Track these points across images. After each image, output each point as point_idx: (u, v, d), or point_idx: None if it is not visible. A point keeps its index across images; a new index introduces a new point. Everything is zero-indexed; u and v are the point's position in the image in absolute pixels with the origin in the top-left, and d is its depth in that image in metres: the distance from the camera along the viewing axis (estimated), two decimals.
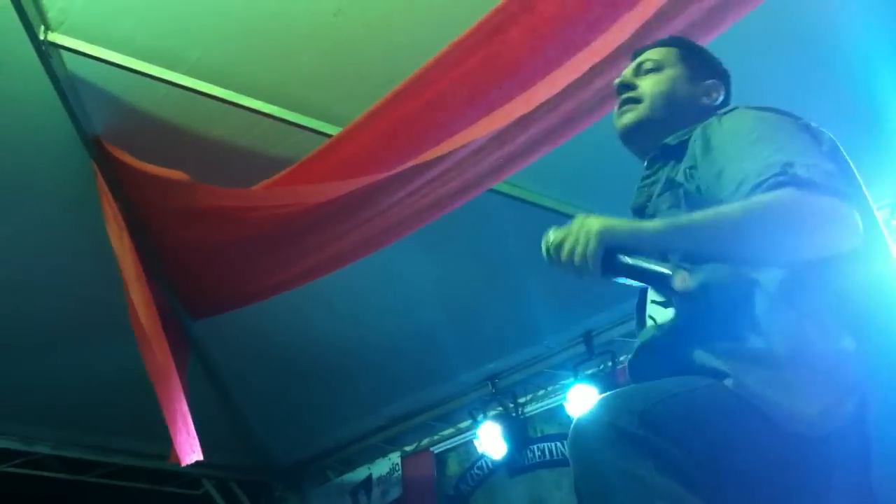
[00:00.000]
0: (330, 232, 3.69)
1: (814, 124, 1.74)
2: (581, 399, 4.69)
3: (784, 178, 1.57)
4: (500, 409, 5.25)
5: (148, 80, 3.47)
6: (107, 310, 4.06)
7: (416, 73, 3.09)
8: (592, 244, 1.57)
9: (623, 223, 1.61)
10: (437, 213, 3.57)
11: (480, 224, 4.27)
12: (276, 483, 6.73)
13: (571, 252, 1.59)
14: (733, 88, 2.07)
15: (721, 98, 2.04)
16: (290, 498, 6.71)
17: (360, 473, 6.32)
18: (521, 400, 5.24)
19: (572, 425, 1.48)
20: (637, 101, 2.02)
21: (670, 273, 1.52)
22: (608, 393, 1.55)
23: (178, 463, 4.09)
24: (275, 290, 4.13)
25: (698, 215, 1.61)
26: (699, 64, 2.09)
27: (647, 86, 2.04)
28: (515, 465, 5.20)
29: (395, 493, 6.03)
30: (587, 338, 4.77)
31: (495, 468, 5.32)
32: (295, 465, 6.65)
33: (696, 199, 1.73)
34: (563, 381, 4.92)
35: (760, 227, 1.55)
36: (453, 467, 5.70)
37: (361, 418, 6.06)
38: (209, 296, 4.38)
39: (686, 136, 1.87)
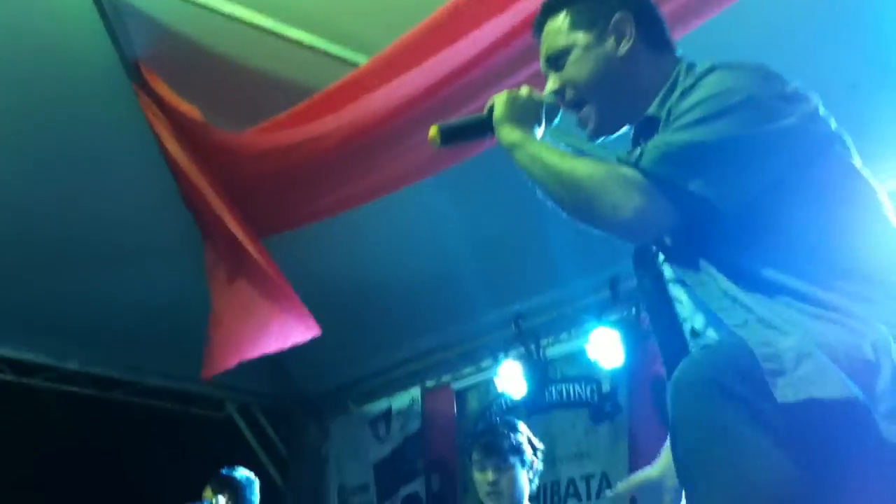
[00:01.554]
0: (356, 167, 3.70)
1: (798, 89, 1.71)
2: (603, 343, 4.74)
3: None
4: (523, 349, 5.30)
5: (190, 5, 3.48)
6: (144, 232, 4.12)
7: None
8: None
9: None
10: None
11: (511, 164, 4.26)
12: (297, 411, 6.86)
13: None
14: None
15: (632, 28, 1.90)
16: (310, 426, 6.84)
17: (380, 405, 6.42)
18: (544, 342, 5.29)
19: (674, 378, 1.54)
20: (580, 103, 1.94)
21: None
22: (708, 348, 1.64)
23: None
24: (300, 222, 4.17)
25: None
26: (593, 9, 1.93)
27: (571, 76, 1.93)
28: (534, 405, 5.27)
29: (414, 426, 6.13)
30: (613, 283, 4.78)
31: (514, 407, 5.38)
32: (316, 394, 6.77)
33: None
34: (586, 325, 4.95)
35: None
36: (473, 404, 5.78)
37: (384, 352, 6.13)
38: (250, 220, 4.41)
39: (665, 99, 1.82)
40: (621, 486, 2.31)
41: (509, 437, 3.38)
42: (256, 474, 4.83)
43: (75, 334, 5.75)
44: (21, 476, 6.19)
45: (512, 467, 3.33)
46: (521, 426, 3.48)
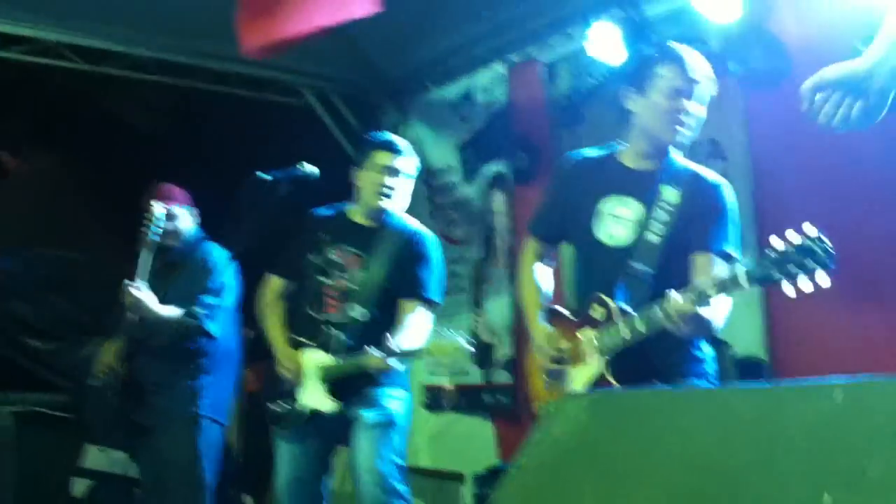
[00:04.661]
0: None
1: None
2: None
3: None
4: (618, 10, 4.84)
5: None
6: None
7: None
8: None
9: None
10: None
11: None
12: (375, 94, 6.61)
13: None
14: None
15: None
16: (390, 110, 6.61)
17: (461, 85, 6.11)
18: (642, 2, 4.81)
19: None
20: None
21: None
22: None
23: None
24: None
25: None
26: None
27: None
28: (633, 73, 4.90)
29: (501, 104, 5.84)
30: None
31: (611, 77, 5.02)
32: (395, 77, 6.47)
33: None
34: None
35: None
36: (564, 78, 5.42)
37: (464, 26, 5.72)
38: None
39: None
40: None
41: None
42: (337, 160, 4.55)
43: (146, 21, 5.50)
44: (94, 166, 6.16)
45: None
46: None
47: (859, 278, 3.58)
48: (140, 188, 5.11)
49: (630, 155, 2.96)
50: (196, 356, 4.21)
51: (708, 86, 2.85)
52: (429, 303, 3.67)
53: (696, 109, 2.83)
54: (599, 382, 2.70)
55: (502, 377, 5.67)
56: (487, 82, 5.90)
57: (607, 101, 5.13)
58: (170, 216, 4.36)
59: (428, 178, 6.36)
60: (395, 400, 3.67)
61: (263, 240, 3.76)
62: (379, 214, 3.75)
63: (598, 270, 2.87)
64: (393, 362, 3.46)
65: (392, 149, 3.74)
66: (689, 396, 1.32)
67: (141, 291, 4.16)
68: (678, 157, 2.94)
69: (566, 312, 2.96)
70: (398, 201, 3.75)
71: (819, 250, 2.21)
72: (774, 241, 2.28)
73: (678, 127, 2.82)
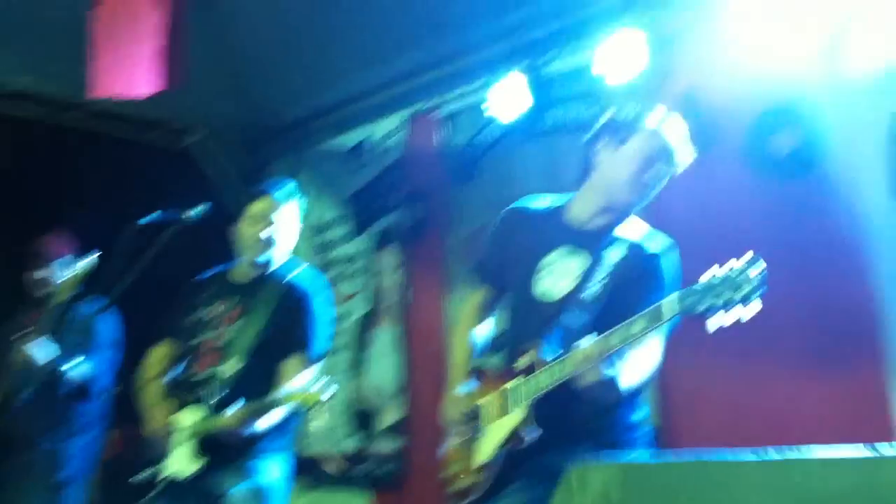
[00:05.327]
0: None
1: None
2: (614, 55, 4.23)
3: None
4: (518, 67, 4.75)
5: None
6: None
7: None
8: None
9: None
10: None
11: None
12: (264, 143, 6.35)
13: None
14: None
15: None
16: (279, 158, 6.34)
17: (355, 136, 5.92)
18: (543, 59, 4.74)
19: None
20: None
21: None
22: None
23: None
24: None
25: None
26: None
27: None
28: (531, 128, 4.80)
29: (394, 156, 5.68)
30: None
31: (508, 131, 4.92)
32: (286, 124, 6.23)
33: None
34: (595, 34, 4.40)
35: None
36: (463, 131, 5.29)
37: (364, 74, 5.55)
38: None
39: None
40: None
41: None
42: (216, 214, 4.16)
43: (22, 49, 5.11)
44: None
45: None
46: None
47: (757, 342, 3.48)
48: (12, 234, 4.75)
49: (582, 206, 2.85)
50: (76, 415, 3.93)
51: (683, 152, 2.76)
52: (312, 360, 3.46)
53: (663, 176, 2.75)
54: (520, 431, 2.57)
55: (386, 443, 5.40)
56: (384, 133, 5.72)
57: (503, 158, 5.06)
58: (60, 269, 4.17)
59: (315, 233, 6.13)
60: (271, 468, 3.41)
61: (144, 291, 3.51)
62: (259, 267, 3.58)
63: (532, 324, 2.72)
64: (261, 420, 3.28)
65: (267, 196, 3.58)
66: (757, 468, 1.12)
67: (38, 348, 3.94)
68: (630, 220, 2.82)
69: (493, 369, 2.83)
70: (279, 250, 3.59)
71: (749, 278, 2.18)
72: (706, 274, 2.23)
73: (641, 191, 2.73)
